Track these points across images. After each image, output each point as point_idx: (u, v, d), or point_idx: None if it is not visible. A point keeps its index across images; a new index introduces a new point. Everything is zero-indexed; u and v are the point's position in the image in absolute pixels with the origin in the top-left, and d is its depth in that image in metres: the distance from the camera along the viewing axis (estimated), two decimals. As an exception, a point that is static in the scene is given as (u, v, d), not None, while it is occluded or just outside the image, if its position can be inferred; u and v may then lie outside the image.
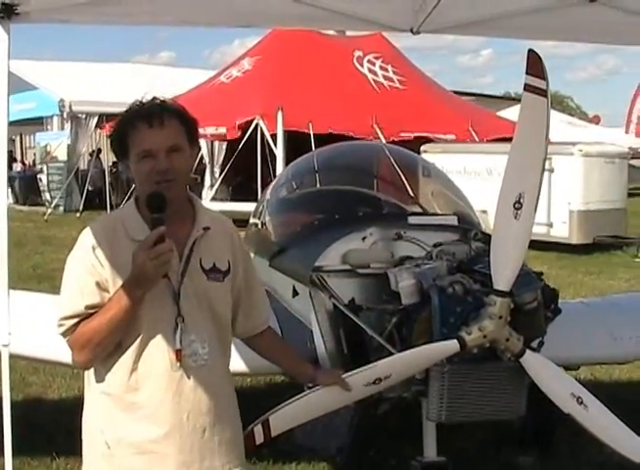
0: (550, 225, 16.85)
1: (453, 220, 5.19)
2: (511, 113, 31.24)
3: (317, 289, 4.69)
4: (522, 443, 6.08)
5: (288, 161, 14.92)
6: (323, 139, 17.48)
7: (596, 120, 46.48)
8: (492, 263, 3.84)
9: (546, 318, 4.22)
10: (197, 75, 27.54)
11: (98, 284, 2.98)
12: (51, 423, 6.60)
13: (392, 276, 4.40)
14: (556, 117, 33.77)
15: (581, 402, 3.96)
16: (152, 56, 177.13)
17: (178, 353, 3.00)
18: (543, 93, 3.62)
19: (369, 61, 23.20)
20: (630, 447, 4.11)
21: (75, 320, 2.98)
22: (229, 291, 3.18)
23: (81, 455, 3.25)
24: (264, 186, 19.19)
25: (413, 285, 4.25)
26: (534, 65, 3.62)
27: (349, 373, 3.77)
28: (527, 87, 3.65)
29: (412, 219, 5.12)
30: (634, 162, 27.28)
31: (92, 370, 3.11)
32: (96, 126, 25.61)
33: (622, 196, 18.56)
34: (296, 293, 5.07)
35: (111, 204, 23.25)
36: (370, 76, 22.90)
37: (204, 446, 3.09)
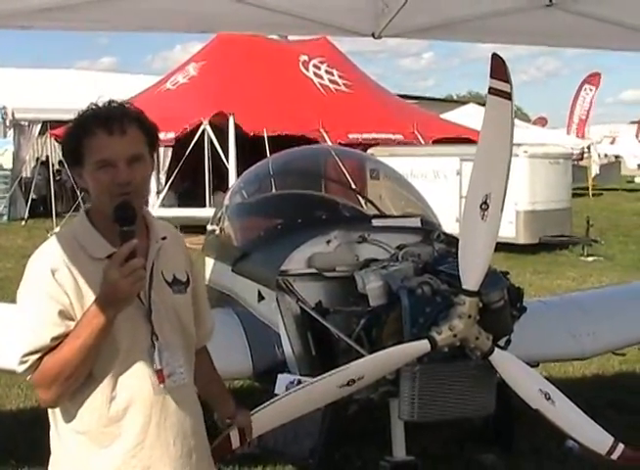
0: (497, 226, 17.00)
1: (416, 222, 5.26)
2: (454, 115, 31.69)
3: (284, 293, 4.72)
4: (484, 440, 6.16)
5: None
6: (272, 143, 17.57)
7: (542, 122, 47.12)
8: (460, 264, 3.89)
9: (512, 316, 4.31)
10: (141, 81, 27.35)
11: (61, 312, 2.67)
12: (10, 435, 6.50)
13: (360, 278, 4.45)
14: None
15: (549, 398, 4.05)
16: (93, 61, 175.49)
17: (160, 375, 2.76)
18: (507, 96, 3.67)
19: (314, 65, 23.28)
20: (596, 441, 4.21)
21: (39, 355, 2.66)
22: (190, 302, 2.98)
23: (43, 466, 3.07)
24: (213, 192, 19.32)
25: (381, 287, 4.31)
26: (498, 68, 3.67)
27: (324, 375, 3.80)
28: (492, 90, 3.70)
29: (376, 222, 5.18)
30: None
31: (57, 410, 2.79)
32: (40, 134, 25.27)
33: (567, 196, 18.86)
34: (261, 297, 5.08)
35: (56, 212, 22.97)
36: (316, 80, 22.99)
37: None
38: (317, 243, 4.95)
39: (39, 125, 24.81)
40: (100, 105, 2.81)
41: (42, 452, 3.08)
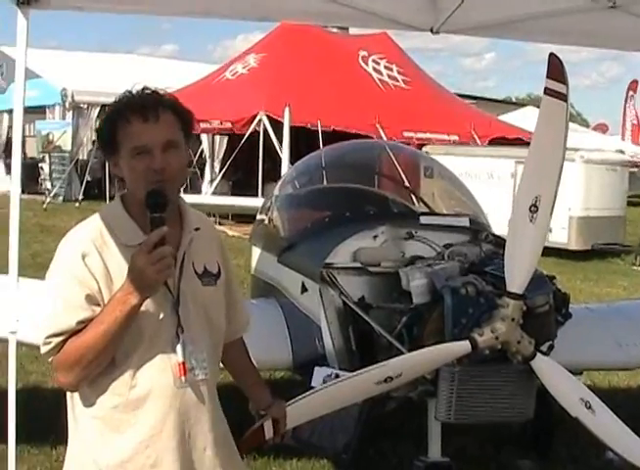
0: (549, 230, 16.81)
1: (465, 222, 5.20)
2: (511, 117, 31.35)
3: (327, 286, 4.70)
4: (521, 445, 6.09)
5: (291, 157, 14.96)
6: (327, 136, 17.55)
7: (603, 129, 46.53)
8: (506, 265, 3.85)
9: (557, 322, 4.25)
10: (200, 69, 27.46)
11: (89, 297, 2.67)
12: (50, 411, 6.48)
13: (404, 275, 4.42)
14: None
15: (589, 407, 3.98)
16: (155, 48, 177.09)
17: (182, 367, 2.73)
18: (563, 97, 3.63)
19: (374, 60, 23.18)
20: (635, 453, 4.13)
21: (63, 337, 2.65)
22: (222, 295, 2.96)
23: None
24: (265, 182, 19.39)
25: (425, 285, 4.28)
26: (555, 69, 3.62)
27: (361, 371, 3.78)
28: (548, 91, 3.65)
29: (424, 219, 5.13)
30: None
31: (75, 394, 2.76)
32: (98, 117, 25.51)
33: (622, 204, 18.58)
34: (305, 289, 5.07)
35: (109, 195, 23.19)
36: (375, 75, 22.89)
37: (205, 466, 2.85)
38: (364, 237, 4.93)
39: (97, 109, 25.05)
40: (134, 92, 2.79)
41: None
